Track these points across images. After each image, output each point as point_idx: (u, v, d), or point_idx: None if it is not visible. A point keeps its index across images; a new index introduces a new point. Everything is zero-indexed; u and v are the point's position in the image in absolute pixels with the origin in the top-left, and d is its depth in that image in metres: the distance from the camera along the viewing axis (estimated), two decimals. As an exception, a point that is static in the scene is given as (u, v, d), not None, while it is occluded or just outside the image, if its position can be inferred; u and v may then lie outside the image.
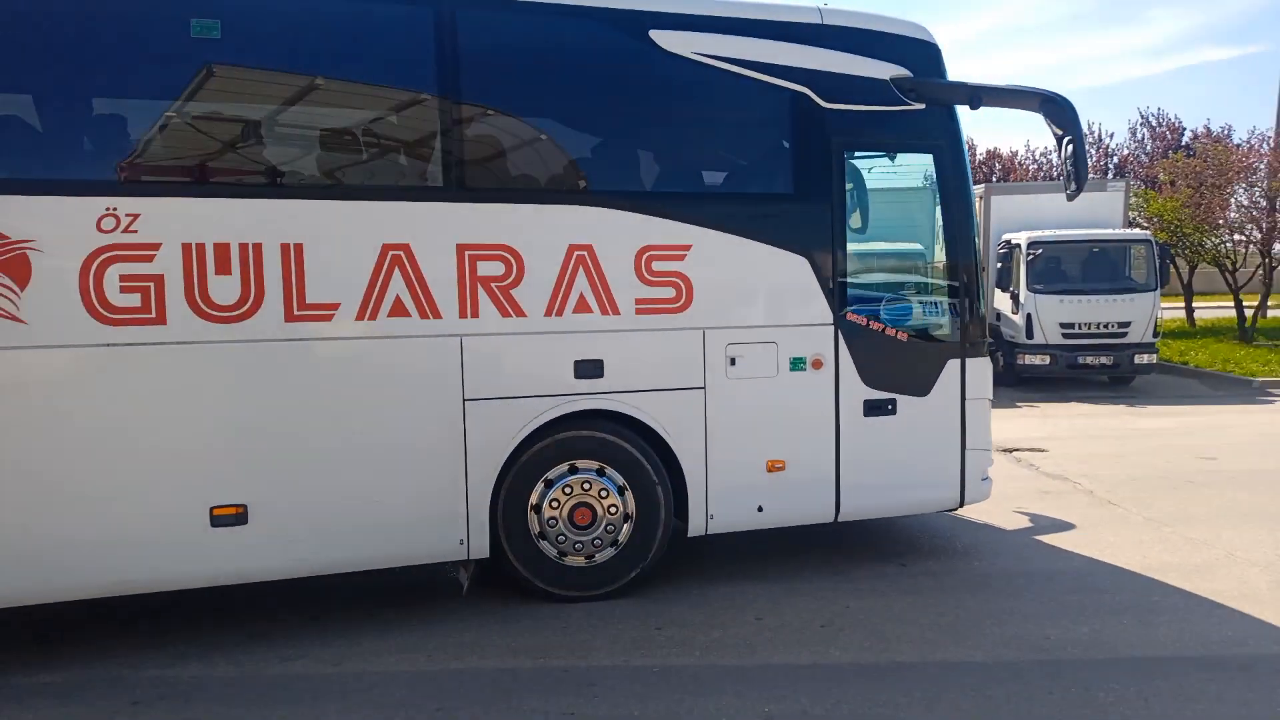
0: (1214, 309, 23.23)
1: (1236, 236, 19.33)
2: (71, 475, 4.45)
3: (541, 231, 5.13)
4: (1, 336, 4.30)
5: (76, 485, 4.46)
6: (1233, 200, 18.25)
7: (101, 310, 4.42)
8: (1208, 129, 21.83)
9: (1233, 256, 19.55)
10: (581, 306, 5.15)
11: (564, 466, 5.25)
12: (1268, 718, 3.94)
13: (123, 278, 4.44)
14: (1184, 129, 21.98)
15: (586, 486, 5.27)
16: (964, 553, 6.17)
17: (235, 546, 4.65)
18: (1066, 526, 6.73)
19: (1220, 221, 18.50)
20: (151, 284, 4.49)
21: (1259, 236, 18.85)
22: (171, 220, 4.55)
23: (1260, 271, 19.56)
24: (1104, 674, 4.33)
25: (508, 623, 5.04)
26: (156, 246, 4.49)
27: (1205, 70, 71.00)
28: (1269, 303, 20.55)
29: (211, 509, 4.60)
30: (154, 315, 4.49)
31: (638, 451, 5.33)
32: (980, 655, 4.58)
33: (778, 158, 5.80)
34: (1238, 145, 20.63)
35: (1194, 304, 22.21)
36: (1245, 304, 19.35)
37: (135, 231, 4.45)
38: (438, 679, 4.40)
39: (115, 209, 4.42)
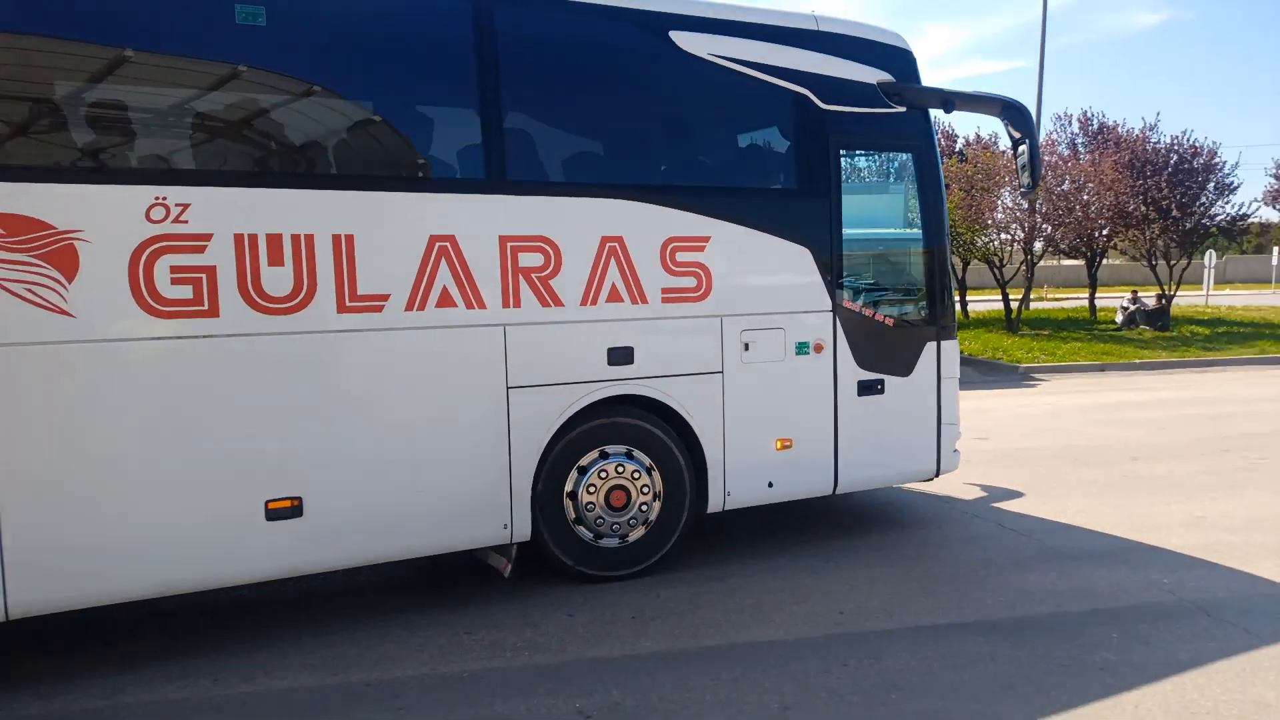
0: (985, 302, 25.39)
1: (1003, 236, 21.18)
2: (123, 473, 4.31)
3: (577, 223, 5.28)
4: (50, 330, 4.12)
5: (128, 483, 4.32)
6: (999, 202, 19.97)
7: (152, 302, 4.29)
8: (978, 136, 23.76)
9: (1000, 254, 21.41)
10: (613, 296, 5.34)
11: (595, 452, 5.44)
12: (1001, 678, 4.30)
13: (173, 269, 4.32)
14: (957, 136, 23.88)
15: (620, 469, 5.49)
16: (765, 536, 6.40)
17: (290, 540, 4.61)
18: (863, 504, 7.13)
19: (989, 222, 20.18)
20: (203, 275, 4.39)
21: (1022, 236, 20.76)
22: (222, 210, 4.43)
23: (1023, 268, 21.62)
24: (892, 643, 4.59)
25: (303, 639, 4.78)
26: (208, 237, 4.39)
27: (976, 82, 77.73)
28: (1031, 296, 22.69)
29: (266, 503, 4.55)
30: (206, 307, 4.39)
31: (663, 434, 5.59)
32: (782, 634, 4.75)
33: (782, 155, 6.21)
34: (1003, 151, 22.61)
35: (967, 298, 24.18)
36: (1011, 297, 21.33)
37: (186, 222, 4.34)
38: (224, 706, 4.09)
39: (165, 198, 4.29)
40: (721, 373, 5.67)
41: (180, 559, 4.43)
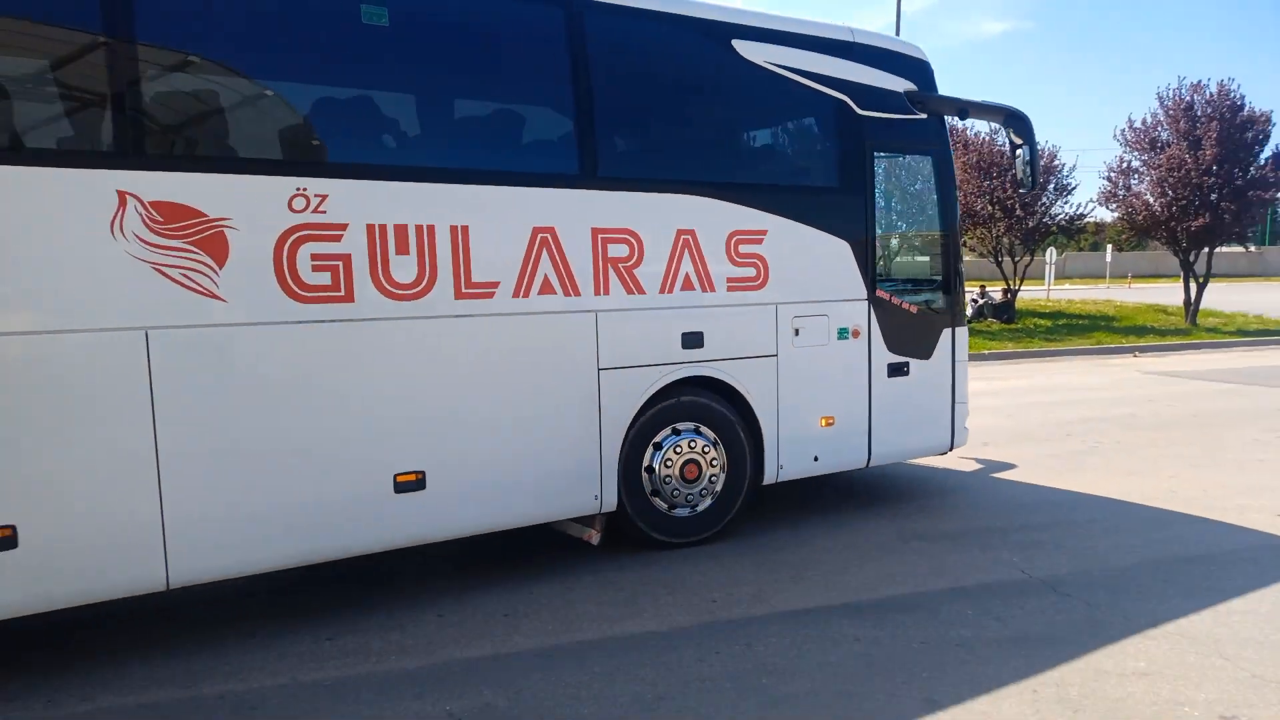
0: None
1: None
2: (269, 449, 4.51)
3: (656, 217, 5.67)
4: (203, 314, 4.32)
5: (274, 458, 4.52)
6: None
7: (295, 288, 4.52)
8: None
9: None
10: (686, 284, 5.77)
11: (668, 429, 5.87)
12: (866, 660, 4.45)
13: (314, 256, 4.56)
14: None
15: (691, 445, 5.94)
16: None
17: (415, 511, 4.90)
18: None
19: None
20: (340, 263, 4.63)
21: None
22: (356, 201, 4.68)
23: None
24: (764, 628, 4.66)
25: (151, 653, 4.50)
26: (344, 227, 4.64)
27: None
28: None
29: (395, 476, 4.83)
30: (343, 293, 4.65)
31: (727, 412, 6.05)
32: (656, 624, 4.76)
33: (826, 155, 6.70)
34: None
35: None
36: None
37: (324, 212, 4.58)
38: (63, 727, 3.80)
39: (305, 189, 4.53)
40: (776, 356, 6.19)
41: (320, 528, 4.68)
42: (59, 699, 4.03)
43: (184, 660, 4.39)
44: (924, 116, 6.76)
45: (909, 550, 5.90)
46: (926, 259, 7.33)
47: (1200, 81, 21.52)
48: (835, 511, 6.83)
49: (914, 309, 6.86)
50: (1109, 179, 22.71)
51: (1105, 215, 24.31)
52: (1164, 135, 21.70)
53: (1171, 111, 21.60)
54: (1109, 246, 38.83)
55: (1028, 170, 6.51)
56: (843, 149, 6.50)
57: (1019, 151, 6.55)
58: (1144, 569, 5.45)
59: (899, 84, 6.65)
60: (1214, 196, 20.83)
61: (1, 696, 4.04)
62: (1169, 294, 27.13)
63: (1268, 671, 4.07)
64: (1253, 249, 48.07)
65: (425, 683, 4.14)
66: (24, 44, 4.20)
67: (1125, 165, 22.35)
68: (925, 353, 6.86)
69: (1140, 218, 22.08)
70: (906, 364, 6.75)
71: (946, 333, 6.98)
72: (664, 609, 4.96)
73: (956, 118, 6.88)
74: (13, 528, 3.98)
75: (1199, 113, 21.23)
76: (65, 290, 4.05)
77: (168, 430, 4.24)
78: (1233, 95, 21.15)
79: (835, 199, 6.49)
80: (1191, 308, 22.33)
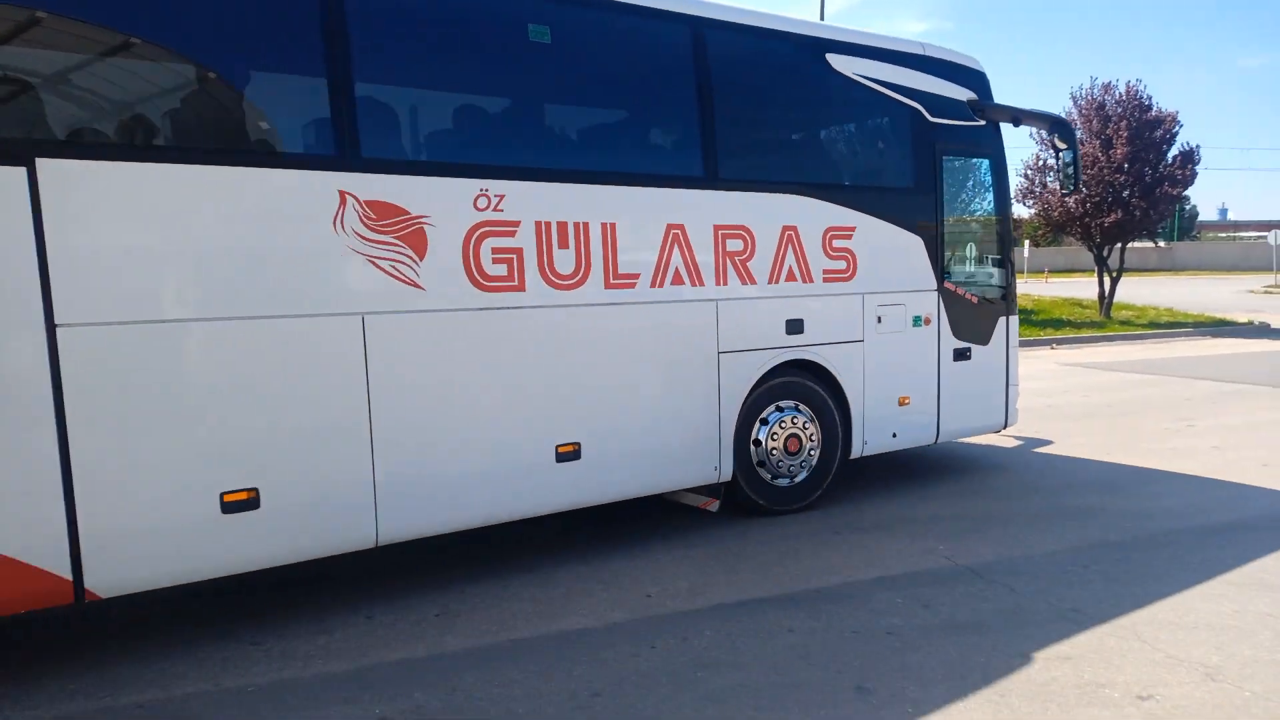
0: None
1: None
2: (457, 422, 5.06)
3: (765, 215, 6.26)
4: (407, 301, 4.85)
5: (462, 430, 5.08)
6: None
7: (479, 278, 5.07)
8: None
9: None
10: (790, 276, 6.38)
11: (772, 407, 6.47)
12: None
13: (494, 250, 5.11)
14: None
15: (795, 421, 6.54)
16: (574, 520, 6.36)
17: (571, 479, 5.48)
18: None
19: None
20: (514, 256, 5.19)
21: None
22: (527, 201, 5.23)
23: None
24: (699, 622, 4.68)
25: (64, 664, 4.33)
26: (517, 224, 5.19)
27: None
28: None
29: (556, 447, 5.39)
30: (517, 283, 5.21)
31: (822, 392, 6.66)
32: (593, 620, 4.74)
33: (903, 158, 7.26)
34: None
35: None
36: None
37: (501, 210, 5.12)
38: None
39: (487, 190, 5.07)
40: (862, 341, 6.83)
41: (496, 493, 5.22)
42: (-35, 714, 3.84)
43: (100, 670, 4.23)
44: (983, 123, 7.47)
45: (841, 542, 5.99)
46: (985, 253, 7.94)
47: (1110, 82, 22.30)
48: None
49: (975, 299, 7.52)
50: (1026, 176, 23.36)
51: (1023, 212, 25.00)
52: (1078, 134, 22.41)
53: (1085, 111, 22.31)
54: (1026, 242, 40.02)
55: (1070, 173, 7.36)
56: (917, 153, 7.14)
57: (1062, 155, 7.43)
58: (1067, 555, 5.62)
59: (963, 93, 7.33)
60: (1126, 193, 21.60)
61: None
62: (1084, 288, 28.08)
63: (1180, 652, 4.23)
64: (1162, 244, 50.08)
65: (354, 686, 4.06)
66: (267, 63, 4.87)
67: (1042, 163, 23.02)
68: (984, 339, 7.56)
69: (1056, 214, 22.77)
70: (969, 349, 7.43)
71: (1002, 320, 7.71)
72: (600, 605, 4.95)
73: (1010, 124, 7.56)
74: (255, 490, 4.46)
75: (1110, 112, 21.97)
76: (297, 279, 4.59)
77: (379, 404, 4.78)
78: (1140, 95, 21.94)
79: (911, 198, 7.13)
80: (1105, 301, 23.11)
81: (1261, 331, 20.74)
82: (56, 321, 3.96)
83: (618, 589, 5.18)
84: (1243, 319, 22.54)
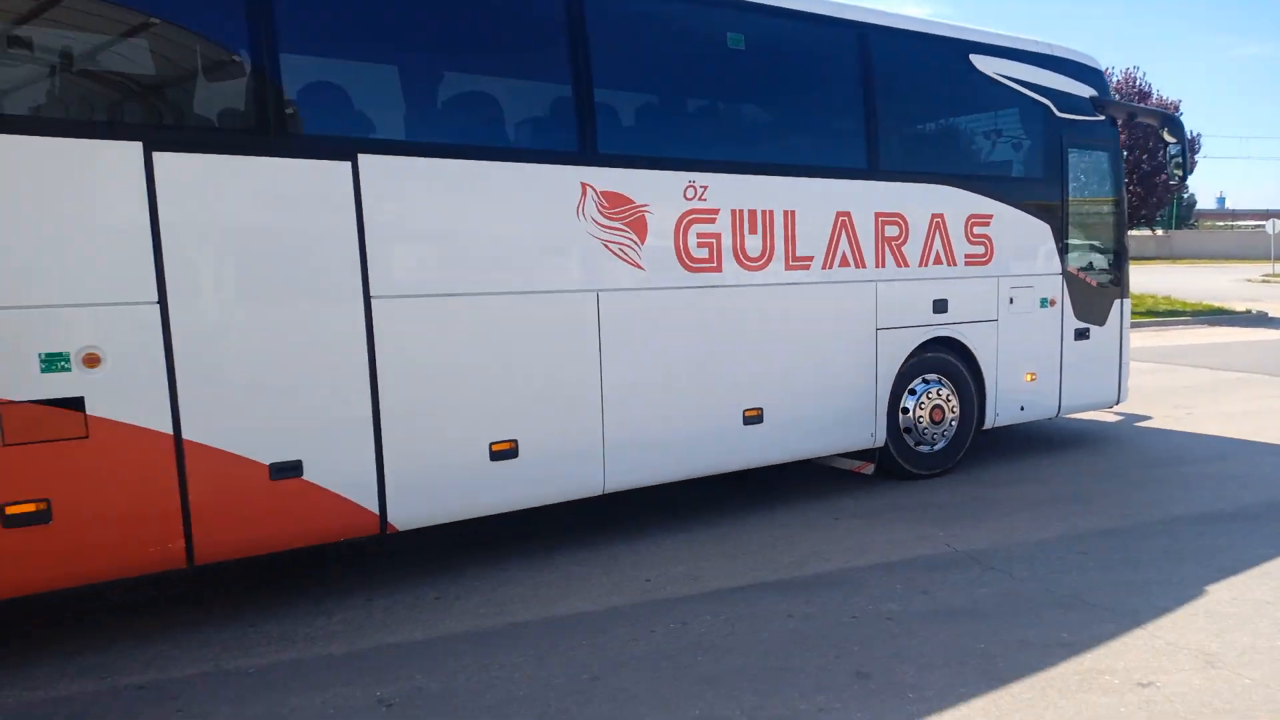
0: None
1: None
2: (666, 389, 5.75)
3: (916, 203, 6.85)
4: (630, 279, 5.56)
5: (668, 396, 5.76)
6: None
7: (687, 260, 5.78)
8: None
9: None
10: (936, 259, 6.98)
11: (919, 379, 7.10)
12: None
13: (698, 235, 5.81)
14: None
15: (940, 393, 7.17)
16: (573, 507, 6.35)
17: (755, 440, 6.17)
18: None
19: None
20: (714, 240, 5.88)
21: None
22: (725, 191, 5.90)
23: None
24: (697, 607, 4.69)
25: (65, 643, 4.32)
26: (716, 212, 5.88)
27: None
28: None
29: (744, 411, 6.08)
30: (715, 265, 5.89)
31: (961, 366, 7.28)
32: (590, 605, 4.74)
33: (1034, 151, 7.80)
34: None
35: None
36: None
37: (705, 200, 5.82)
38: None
39: (694, 181, 5.77)
40: (996, 320, 7.42)
41: (695, 451, 5.92)
42: (-39, 695, 3.84)
43: (99, 652, 4.23)
44: (1102, 118, 8.00)
45: (835, 526, 5.99)
46: (1102, 240, 8.44)
47: (1107, 69, 22.21)
48: (764, 494, 6.89)
49: (1094, 282, 8.08)
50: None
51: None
52: None
53: (1085, 98, 22.23)
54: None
55: (1179, 163, 8.11)
56: (1046, 146, 7.68)
57: (1171, 148, 8.12)
58: (1061, 543, 5.62)
59: (1085, 90, 7.86)
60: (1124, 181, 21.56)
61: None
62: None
63: (1180, 639, 4.24)
64: (1160, 232, 50.08)
65: (354, 668, 4.05)
66: (528, 71, 5.69)
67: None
68: (1101, 319, 8.11)
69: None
70: (1088, 329, 8.00)
71: (1117, 303, 8.25)
72: (598, 590, 4.95)
73: (1126, 118, 8.01)
74: (515, 441, 5.19)
75: (1109, 100, 21.90)
76: (547, 261, 5.36)
77: (609, 371, 5.50)
78: (1139, 82, 21.89)
79: (1040, 188, 7.68)
80: (1103, 289, 23.07)
81: (1260, 320, 20.74)
82: (372, 294, 4.68)
83: (616, 574, 5.18)
84: (1240, 308, 22.53)
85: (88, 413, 3.99)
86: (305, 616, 4.62)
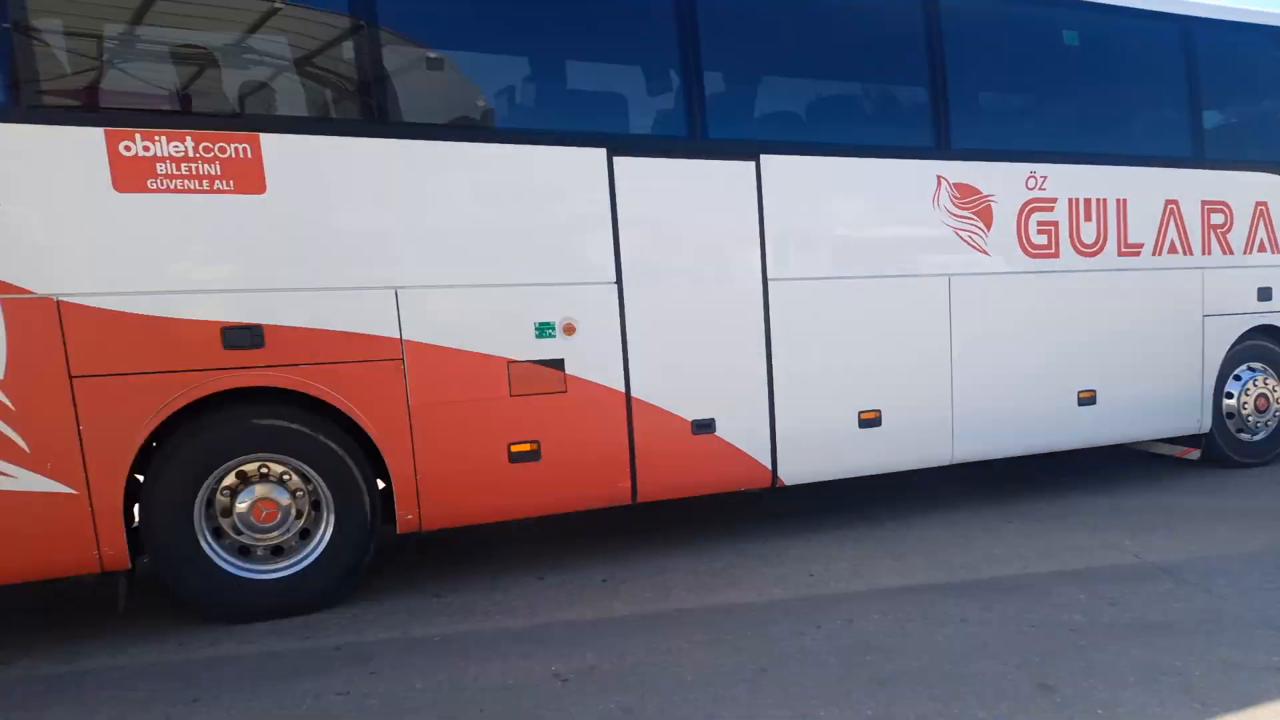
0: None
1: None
2: (1008, 370, 6.12)
3: (1241, 192, 6.98)
4: (977, 265, 6.01)
5: (1011, 377, 6.14)
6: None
7: (1027, 246, 6.15)
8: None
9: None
10: (1260, 247, 7.10)
11: (1244, 367, 7.23)
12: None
13: (1038, 223, 6.16)
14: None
15: (1266, 381, 7.31)
16: (729, 502, 6.37)
17: (1088, 420, 6.47)
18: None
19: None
20: (1052, 228, 6.23)
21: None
22: (1062, 180, 6.23)
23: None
24: (863, 604, 4.60)
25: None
26: (1054, 200, 6.21)
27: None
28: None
29: (1078, 392, 6.39)
30: (1053, 251, 6.25)
31: None
32: (754, 596, 4.75)
33: None
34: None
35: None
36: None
37: (1044, 190, 6.17)
38: (191, 669, 3.99)
39: (1035, 172, 6.13)
40: None
41: (1032, 428, 6.29)
42: (190, 644, 4.25)
43: (304, 615, 4.56)
44: None
45: (1012, 529, 5.76)
46: None
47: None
48: (930, 488, 6.70)
49: None
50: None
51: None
52: None
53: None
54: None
55: None
56: None
57: None
58: (1268, 556, 5.20)
59: None
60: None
61: (142, 638, 4.26)
62: None
63: None
64: None
65: (530, 642, 4.21)
66: (896, 76, 6.22)
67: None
68: None
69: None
70: None
71: None
72: (760, 581, 4.95)
73: None
74: (879, 410, 5.75)
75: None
76: (905, 247, 5.86)
77: (957, 351, 5.96)
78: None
79: None
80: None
81: None
82: (769, 277, 5.41)
83: (779, 566, 5.17)
84: None
85: (566, 372, 4.96)
86: (484, 591, 4.84)
